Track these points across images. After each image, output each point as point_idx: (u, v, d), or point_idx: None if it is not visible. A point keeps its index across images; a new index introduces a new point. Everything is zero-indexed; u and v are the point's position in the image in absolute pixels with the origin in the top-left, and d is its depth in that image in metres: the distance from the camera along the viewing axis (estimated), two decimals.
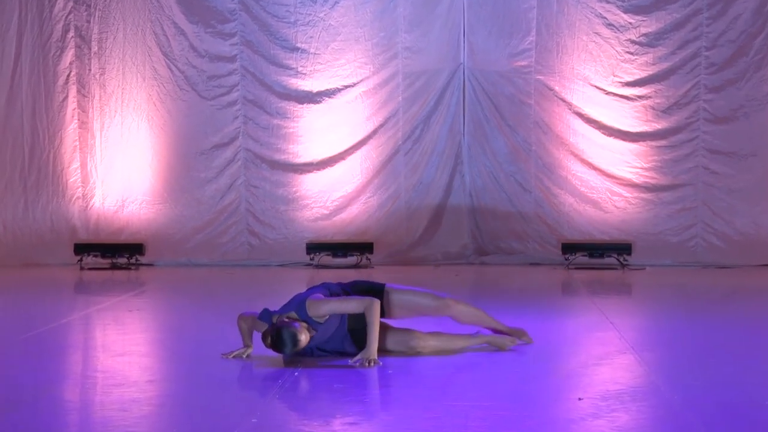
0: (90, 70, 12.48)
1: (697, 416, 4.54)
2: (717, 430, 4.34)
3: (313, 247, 12.03)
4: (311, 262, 12.00)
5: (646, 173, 12.09)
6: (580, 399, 4.88)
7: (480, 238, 12.26)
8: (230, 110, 12.43)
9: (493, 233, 12.30)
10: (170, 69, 12.40)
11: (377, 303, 5.71)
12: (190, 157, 12.43)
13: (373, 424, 4.51)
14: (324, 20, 12.30)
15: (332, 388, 5.22)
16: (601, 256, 11.64)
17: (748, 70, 11.92)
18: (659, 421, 4.60)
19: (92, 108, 12.50)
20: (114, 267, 12.03)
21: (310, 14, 12.31)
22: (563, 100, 12.15)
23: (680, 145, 12.03)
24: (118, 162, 12.47)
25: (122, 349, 6.49)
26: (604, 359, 5.93)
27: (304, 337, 5.56)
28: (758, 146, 11.93)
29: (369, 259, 11.98)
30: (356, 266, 11.90)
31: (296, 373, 5.49)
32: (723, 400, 4.87)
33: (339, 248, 12.06)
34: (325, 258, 12.02)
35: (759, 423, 4.46)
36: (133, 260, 12.13)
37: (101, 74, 12.48)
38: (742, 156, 11.95)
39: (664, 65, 12.01)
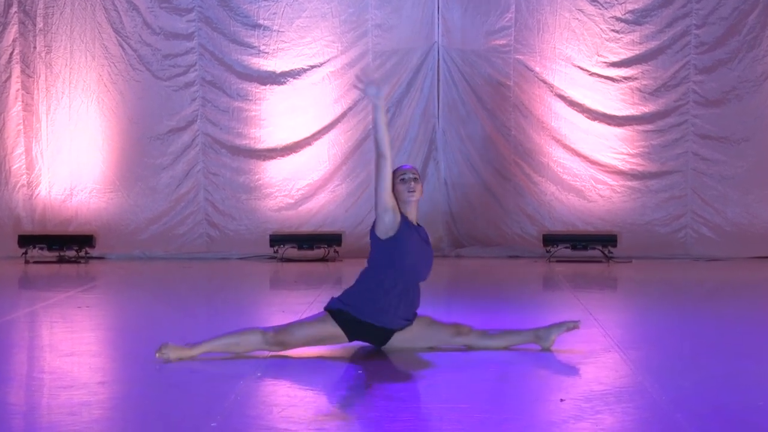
0: (35, 48, 12.38)
1: (686, 418, 4.57)
2: None
3: (277, 239, 12.00)
4: (275, 255, 11.99)
5: (633, 160, 12.16)
6: (562, 400, 4.90)
7: (455, 230, 12.29)
8: (187, 92, 12.38)
9: (470, 224, 12.32)
10: (122, 47, 12.33)
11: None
12: (144, 143, 12.37)
13: (342, 427, 4.50)
14: None
15: (297, 390, 5.22)
16: (585, 248, 11.69)
17: (741, 49, 12.01)
18: (645, 423, 4.62)
19: (37, 89, 12.40)
20: (61, 260, 11.95)
21: None
22: (544, 82, 12.19)
23: (668, 130, 12.11)
24: (66, 147, 12.39)
25: (71, 349, 6.45)
26: (587, 358, 5.96)
27: None
28: (751, 131, 12.02)
29: (337, 252, 11.98)
30: (323, 259, 11.89)
31: (259, 374, 5.47)
32: (714, 401, 4.91)
33: (305, 240, 12.04)
34: (290, 251, 12.00)
35: (751, 425, 4.49)
36: (82, 253, 12.06)
37: (47, 53, 12.37)
38: (734, 141, 12.05)
39: (652, 44, 12.08)
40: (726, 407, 4.79)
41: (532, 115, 12.25)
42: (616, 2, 12.11)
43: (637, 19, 12.12)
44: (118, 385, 5.45)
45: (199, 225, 12.40)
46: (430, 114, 12.36)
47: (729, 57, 12.04)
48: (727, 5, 12.01)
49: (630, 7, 12.10)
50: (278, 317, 7.83)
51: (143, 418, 4.68)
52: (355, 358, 6.03)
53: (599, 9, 12.08)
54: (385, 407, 4.83)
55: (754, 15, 12.00)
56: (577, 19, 12.15)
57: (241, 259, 12.14)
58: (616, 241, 11.74)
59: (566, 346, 6.28)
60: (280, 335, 5.89)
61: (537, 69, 12.21)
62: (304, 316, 6.19)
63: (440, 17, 12.23)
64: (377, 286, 5.85)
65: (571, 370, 5.66)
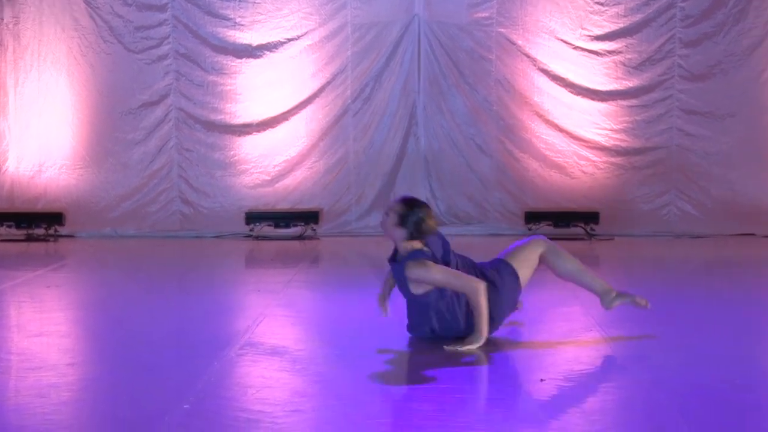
0: (2, 19, 12.28)
1: (666, 397, 4.60)
2: (689, 411, 4.39)
3: (253, 217, 11.99)
4: (250, 233, 11.97)
5: (616, 135, 12.18)
6: (542, 380, 4.92)
7: (436, 207, 12.28)
8: (160, 65, 12.31)
9: (451, 201, 12.33)
10: (93, 18, 12.24)
11: (483, 286, 5.65)
12: (116, 117, 12.31)
13: (318, 409, 4.51)
14: None
15: (273, 372, 5.22)
16: (567, 225, 11.73)
17: (727, 22, 12.03)
18: (626, 402, 4.65)
19: (5, 62, 12.30)
20: (30, 239, 11.89)
21: None
22: (527, 56, 12.18)
23: (653, 105, 12.13)
24: (35, 122, 12.31)
25: (39, 329, 6.43)
26: (568, 337, 5.99)
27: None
28: (737, 106, 12.06)
29: (314, 230, 11.97)
30: (300, 237, 11.89)
31: (232, 355, 5.48)
32: (694, 380, 4.94)
33: (281, 218, 12.03)
34: (266, 228, 12.00)
35: (733, 404, 4.53)
36: (51, 231, 12.01)
37: (15, 24, 12.28)
38: (720, 116, 12.08)
39: (637, 17, 12.08)
40: (707, 386, 4.83)
41: (514, 90, 12.25)
42: None
43: None
44: (88, 366, 5.44)
45: (172, 202, 12.36)
46: (411, 88, 12.33)
47: (714, 30, 12.06)
48: None
49: None
50: (253, 297, 7.84)
51: (114, 400, 4.67)
52: (332, 339, 6.04)
53: None
54: (364, 388, 4.84)
55: None
56: None
57: (215, 237, 12.12)
58: (598, 218, 11.78)
59: (547, 326, 6.31)
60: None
61: (520, 42, 12.19)
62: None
63: None
64: None
65: (552, 349, 5.68)
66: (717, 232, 11.91)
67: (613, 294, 5.99)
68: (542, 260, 6.02)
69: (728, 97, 12.05)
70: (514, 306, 6.01)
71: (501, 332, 6.00)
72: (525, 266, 5.97)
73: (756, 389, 4.82)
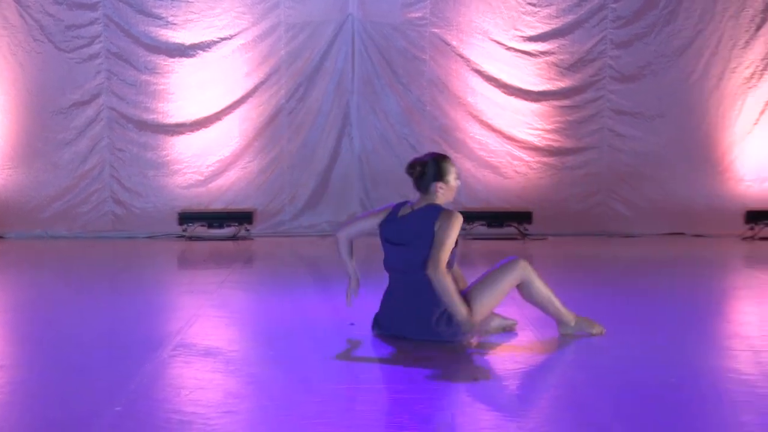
0: None
1: (600, 395, 4.63)
2: (623, 409, 4.42)
3: (186, 217, 11.88)
4: (183, 233, 11.86)
5: (549, 136, 12.27)
6: (476, 379, 4.91)
7: (370, 206, 12.29)
8: (91, 64, 12.15)
9: (385, 200, 12.31)
10: (22, 17, 12.04)
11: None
12: (46, 117, 12.13)
13: (251, 409, 4.46)
14: None
15: (206, 373, 5.16)
16: (500, 225, 11.78)
17: (657, 24, 12.18)
18: (560, 400, 4.67)
19: None
20: None
21: None
22: (461, 56, 12.22)
23: (585, 105, 12.25)
24: None
25: None
26: (502, 337, 6.00)
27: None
28: (666, 106, 12.21)
29: (248, 230, 11.90)
30: (234, 238, 11.80)
31: (165, 356, 5.40)
32: (628, 377, 4.98)
33: (215, 218, 11.94)
34: (200, 229, 11.90)
35: (664, 401, 4.56)
36: None
37: None
38: (650, 117, 12.24)
39: (569, 18, 12.18)
40: (640, 383, 4.86)
41: (448, 90, 12.28)
42: None
43: None
44: (16, 369, 5.33)
45: (104, 203, 12.21)
46: (344, 88, 12.31)
47: (645, 31, 12.20)
48: None
49: None
50: (186, 298, 7.75)
51: (44, 402, 4.58)
52: (266, 340, 5.99)
53: None
54: (298, 389, 4.81)
55: None
56: None
57: (148, 237, 11.99)
58: (531, 218, 11.85)
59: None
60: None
61: (453, 43, 12.23)
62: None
63: None
64: None
65: (486, 349, 5.69)
66: (648, 231, 12.05)
67: (573, 322, 5.96)
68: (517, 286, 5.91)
69: (658, 98, 12.21)
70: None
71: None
72: (495, 295, 5.84)
73: (687, 388, 4.87)
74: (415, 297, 5.73)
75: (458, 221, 5.67)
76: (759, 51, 12.22)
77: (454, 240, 5.66)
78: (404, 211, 5.86)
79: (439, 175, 5.78)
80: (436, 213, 5.71)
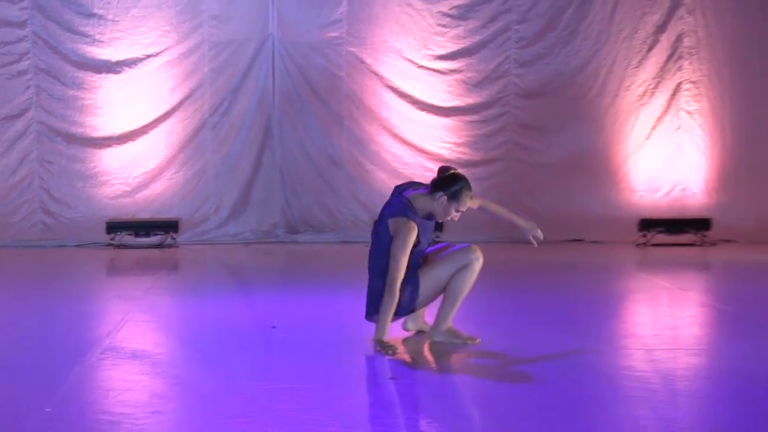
0: None
1: (508, 393, 4.70)
2: (527, 405, 4.49)
3: (114, 226, 11.74)
4: (111, 242, 11.71)
5: (459, 149, 12.37)
6: (391, 378, 4.94)
7: (291, 216, 12.27)
8: (21, 80, 11.94)
9: (305, 210, 12.32)
10: None
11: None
12: None
13: (177, 409, 4.44)
14: None
15: (133, 375, 5.12)
16: None
17: (557, 44, 12.36)
18: (462, 392, 4.73)
19: None
20: None
21: None
22: (375, 73, 12.27)
23: (491, 120, 12.38)
24: None
25: None
26: (416, 336, 6.04)
27: None
28: (566, 121, 12.40)
29: (174, 239, 11.79)
30: (160, 246, 11.69)
31: (94, 359, 5.34)
32: (532, 375, 5.05)
33: (141, 227, 11.81)
34: (127, 237, 11.75)
35: (567, 397, 4.64)
36: None
37: None
38: (551, 131, 12.40)
39: (476, 38, 12.31)
40: (543, 380, 4.93)
41: (364, 105, 12.32)
42: None
43: (462, 14, 12.31)
44: None
45: (34, 213, 11.99)
46: (266, 103, 12.27)
47: (546, 52, 12.37)
48: (544, 2, 12.33)
49: (456, 2, 12.29)
50: (114, 304, 7.66)
51: None
52: (191, 342, 5.95)
53: (427, 4, 12.22)
54: (222, 389, 4.79)
55: (569, 12, 12.36)
56: (407, 13, 12.26)
57: (77, 246, 11.81)
58: (442, 227, 11.91)
59: (396, 326, 6.34)
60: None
61: (369, 61, 12.27)
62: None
63: (275, 10, 12.14)
64: None
65: (400, 348, 5.73)
66: (549, 238, 12.10)
67: (445, 329, 5.85)
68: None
69: (558, 114, 12.37)
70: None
71: (356, 335, 6.02)
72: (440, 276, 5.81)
73: (586, 384, 4.96)
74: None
75: (407, 232, 5.57)
76: (650, 71, 12.46)
77: (405, 252, 5.56)
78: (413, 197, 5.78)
79: (454, 195, 5.68)
80: (396, 212, 5.67)
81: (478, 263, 5.77)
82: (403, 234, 5.56)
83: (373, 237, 5.83)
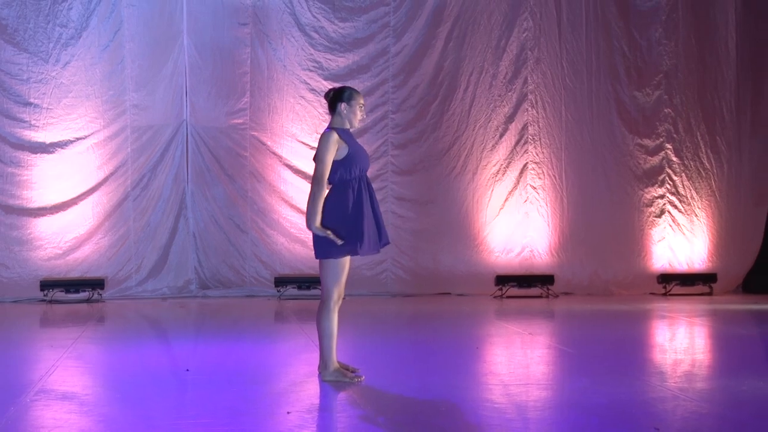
0: None
1: (385, 422, 4.70)
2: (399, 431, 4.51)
3: (47, 284, 11.38)
4: (45, 298, 11.34)
5: None
6: (288, 413, 4.91)
7: (203, 274, 12.10)
8: None
9: (215, 269, 12.17)
10: None
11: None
12: None
13: None
14: (56, 78, 11.76)
15: (63, 413, 4.95)
16: (309, 288, 11.79)
17: (426, 130, 12.58)
18: (356, 427, 4.71)
19: None
20: None
21: (43, 73, 11.74)
22: (275, 154, 12.28)
23: None
24: None
25: None
26: (310, 377, 6.00)
27: None
28: (435, 194, 12.58)
29: (101, 294, 11.49)
30: (88, 301, 11.37)
31: (27, 400, 5.14)
32: (409, 408, 5.07)
33: (72, 285, 11.48)
34: (59, 294, 11.40)
35: (435, 427, 4.67)
36: None
37: None
38: (423, 203, 12.56)
39: (359, 125, 12.41)
40: (418, 413, 4.96)
41: (265, 181, 12.29)
42: None
43: None
44: None
45: None
46: (181, 179, 12.14)
47: (417, 136, 12.57)
48: (415, 96, 12.56)
49: None
50: (47, 351, 7.42)
51: None
52: (115, 384, 5.79)
53: (317, 96, 12.33)
54: (142, 426, 4.67)
55: (435, 104, 12.62)
56: (300, 104, 12.34)
57: (14, 302, 11.40)
58: None
59: (293, 369, 6.31)
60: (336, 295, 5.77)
61: (269, 143, 12.28)
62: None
63: (188, 100, 12.08)
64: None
65: (297, 387, 5.69)
66: (422, 291, 12.29)
67: (332, 368, 5.71)
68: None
69: (429, 188, 12.55)
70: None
71: (255, 375, 5.94)
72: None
73: (453, 415, 4.99)
74: None
75: (327, 139, 5.70)
76: (502, 153, 12.76)
77: (327, 155, 5.68)
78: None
79: (348, 98, 5.82)
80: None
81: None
82: (324, 140, 5.75)
83: None
